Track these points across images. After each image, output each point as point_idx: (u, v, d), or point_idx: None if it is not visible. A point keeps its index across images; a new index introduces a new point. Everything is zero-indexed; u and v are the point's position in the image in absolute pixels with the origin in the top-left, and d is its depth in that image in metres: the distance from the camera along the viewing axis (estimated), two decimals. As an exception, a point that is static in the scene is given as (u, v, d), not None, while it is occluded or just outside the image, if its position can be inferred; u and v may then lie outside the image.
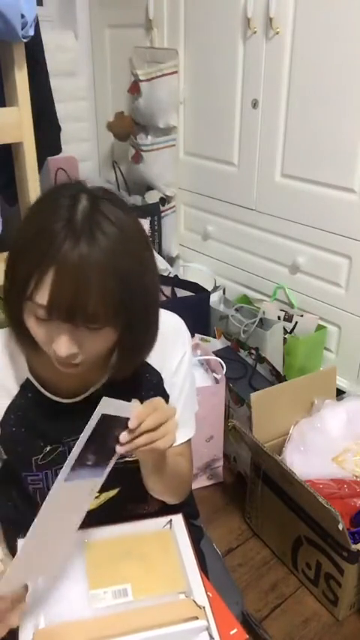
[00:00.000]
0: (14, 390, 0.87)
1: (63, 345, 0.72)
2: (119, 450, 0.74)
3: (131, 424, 0.72)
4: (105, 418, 0.69)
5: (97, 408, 0.67)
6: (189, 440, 1.00)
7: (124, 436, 0.73)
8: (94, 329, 0.73)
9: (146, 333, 0.82)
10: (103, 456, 0.74)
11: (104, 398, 0.68)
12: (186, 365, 0.96)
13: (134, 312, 0.75)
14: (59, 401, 0.88)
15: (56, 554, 0.82)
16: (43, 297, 0.69)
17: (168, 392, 0.94)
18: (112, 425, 0.72)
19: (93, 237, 0.69)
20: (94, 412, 0.67)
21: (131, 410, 0.73)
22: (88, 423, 0.68)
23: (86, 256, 0.68)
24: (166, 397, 0.94)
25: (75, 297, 0.69)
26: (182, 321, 0.97)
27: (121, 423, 0.73)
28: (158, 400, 0.77)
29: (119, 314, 0.73)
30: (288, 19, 1.67)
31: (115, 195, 0.76)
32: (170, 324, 0.94)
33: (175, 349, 0.94)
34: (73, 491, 0.73)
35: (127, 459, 0.92)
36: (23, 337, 0.80)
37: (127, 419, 0.73)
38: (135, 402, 0.74)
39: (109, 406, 0.69)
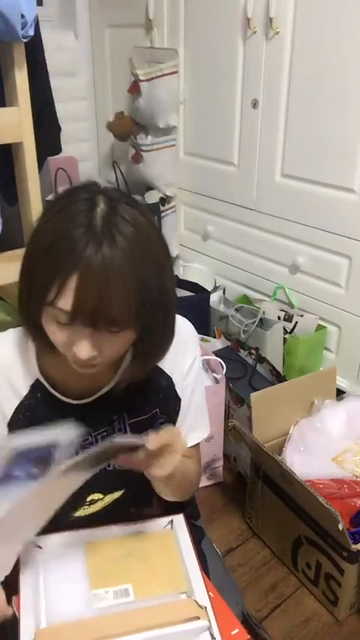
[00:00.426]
0: (24, 390, 0.87)
1: (84, 349, 0.73)
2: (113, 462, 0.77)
3: (151, 445, 0.74)
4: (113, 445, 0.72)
5: (108, 440, 0.71)
6: (197, 443, 1.01)
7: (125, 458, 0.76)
8: (115, 332, 0.73)
9: (164, 335, 0.83)
10: (96, 465, 0.77)
11: (116, 438, 0.72)
12: (196, 368, 0.97)
13: (154, 314, 0.76)
14: (69, 402, 0.88)
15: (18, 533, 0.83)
16: (66, 302, 0.70)
17: (180, 396, 0.95)
18: (117, 448, 0.75)
19: (114, 242, 0.69)
20: (104, 442, 0.71)
21: (143, 439, 0.75)
22: (95, 448, 0.71)
23: (109, 261, 0.68)
24: (177, 400, 0.95)
25: (99, 302, 0.69)
26: (191, 325, 0.97)
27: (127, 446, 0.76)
28: (173, 431, 0.78)
29: (140, 316, 0.73)
30: (288, 19, 1.67)
31: (130, 197, 0.77)
32: (181, 329, 0.94)
33: (186, 354, 0.94)
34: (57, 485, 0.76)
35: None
36: (39, 339, 0.80)
37: (135, 444, 0.75)
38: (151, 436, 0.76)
39: (118, 439, 0.72)
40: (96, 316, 0.70)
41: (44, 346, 0.81)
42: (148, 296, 0.73)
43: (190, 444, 0.98)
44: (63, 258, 0.69)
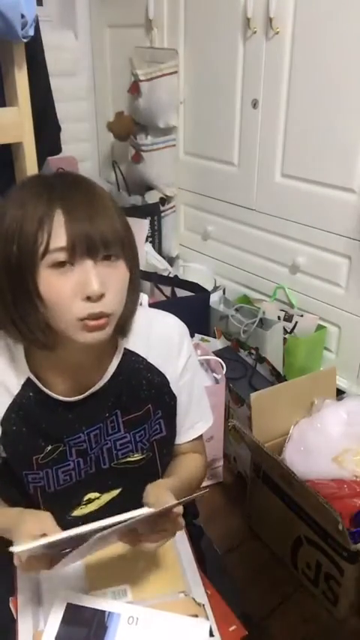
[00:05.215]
0: (15, 389, 0.87)
1: (93, 281, 0.74)
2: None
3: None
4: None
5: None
6: (200, 435, 1.04)
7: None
8: (112, 261, 0.77)
9: (138, 267, 0.86)
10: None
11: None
12: (192, 367, 0.97)
13: (130, 242, 0.81)
14: (61, 399, 0.88)
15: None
16: (60, 239, 0.73)
17: (176, 394, 0.95)
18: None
19: (80, 183, 0.78)
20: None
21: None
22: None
23: (83, 189, 0.76)
24: (172, 398, 0.95)
25: (91, 225, 0.74)
26: (182, 323, 0.97)
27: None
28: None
29: (124, 243, 0.78)
30: (288, 19, 1.67)
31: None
32: (174, 328, 0.95)
33: (180, 353, 0.94)
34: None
35: (128, 459, 0.92)
36: (30, 335, 0.80)
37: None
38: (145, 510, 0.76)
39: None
40: (92, 241, 0.74)
41: (34, 341, 0.81)
42: (123, 223, 0.79)
43: (195, 435, 1.01)
44: (39, 211, 0.73)
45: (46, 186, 0.76)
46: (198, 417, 1.01)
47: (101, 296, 0.75)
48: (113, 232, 0.76)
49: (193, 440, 1.02)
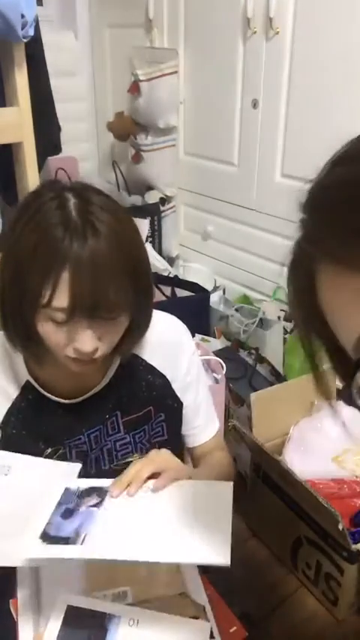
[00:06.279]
0: (14, 392, 0.87)
1: (88, 341, 0.73)
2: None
3: (114, 494, 0.78)
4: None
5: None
6: (217, 432, 1.05)
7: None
8: (113, 318, 0.74)
9: (150, 307, 0.84)
10: None
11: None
12: (196, 364, 0.98)
13: (142, 290, 0.78)
14: (60, 402, 0.88)
15: None
16: (62, 300, 0.70)
17: (180, 394, 0.95)
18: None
19: (96, 231, 0.70)
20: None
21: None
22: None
23: (96, 251, 0.69)
24: (175, 401, 0.95)
25: (95, 292, 0.70)
26: (183, 325, 0.97)
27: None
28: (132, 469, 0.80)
29: (132, 296, 0.75)
30: (288, 19, 1.67)
31: (92, 185, 0.78)
32: (173, 328, 0.95)
33: (181, 353, 0.94)
34: None
35: (127, 460, 0.92)
36: (29, 349, 0.80)
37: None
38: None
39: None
40: (95, 306, 0.71)
41: (35, 356, 0.81)
42: (136, 274, 0.75)
43: (210, 436, 1.04)
44: (50, 258, 0.69)
45: (65, 220, 0.70)
46: (208, 421, 1.02)
47: (94, 351, 0.75)
48: (120, 296, 0.73)
49: (211, 439, 1.04)
